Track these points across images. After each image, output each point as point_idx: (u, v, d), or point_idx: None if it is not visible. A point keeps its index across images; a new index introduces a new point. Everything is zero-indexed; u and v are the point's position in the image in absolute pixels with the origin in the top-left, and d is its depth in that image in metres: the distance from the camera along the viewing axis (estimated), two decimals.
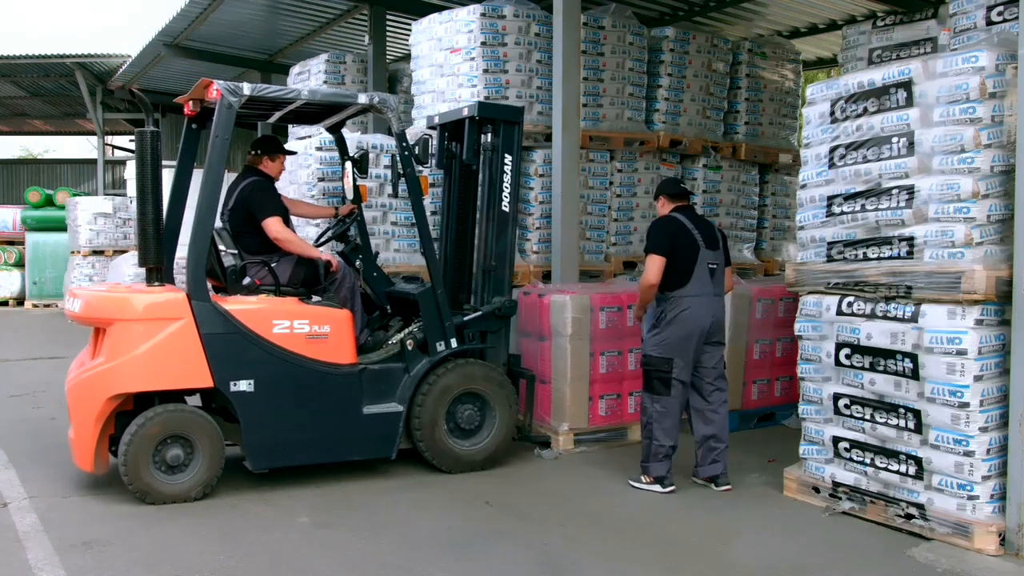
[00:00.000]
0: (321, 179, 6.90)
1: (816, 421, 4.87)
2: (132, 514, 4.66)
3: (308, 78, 10.98)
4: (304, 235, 6.37)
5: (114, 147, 26.54)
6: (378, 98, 5.41)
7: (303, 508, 4.78)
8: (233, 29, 12.76)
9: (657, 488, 5.05)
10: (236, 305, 4.97)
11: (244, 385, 4.87)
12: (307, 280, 5.47)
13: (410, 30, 8.26)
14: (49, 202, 17.05)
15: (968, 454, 4.11)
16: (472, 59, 7.35)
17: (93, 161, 22.88)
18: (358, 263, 5.82)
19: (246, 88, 5.00)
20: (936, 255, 4.23)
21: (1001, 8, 4.93)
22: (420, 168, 5.50)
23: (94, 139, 22.12)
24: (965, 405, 4.11)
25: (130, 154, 24.98)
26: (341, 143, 6.10)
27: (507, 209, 5.69)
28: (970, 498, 4.13)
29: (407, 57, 8.82)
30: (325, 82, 10.66)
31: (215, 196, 4.98)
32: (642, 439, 5.18)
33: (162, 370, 4.77)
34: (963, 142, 4.14)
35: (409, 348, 5.34)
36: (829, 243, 4.76)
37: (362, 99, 5.41)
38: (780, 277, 6.55)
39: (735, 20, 10.42)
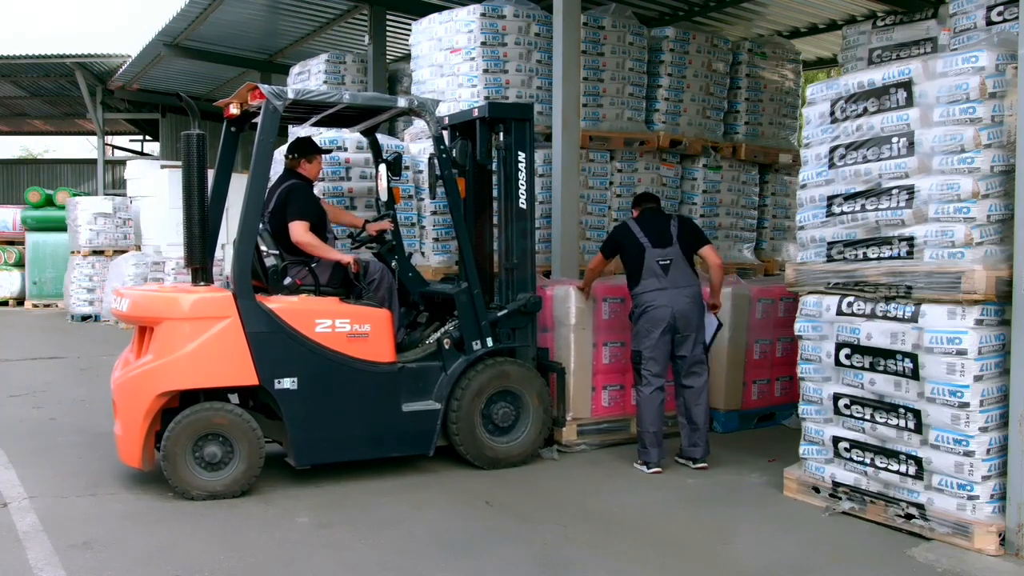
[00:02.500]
0: (321, 179, 6.88)
1: (816, 421, 4.87)
2: (132, 514, 4.67)
3: (308, 78, 10.98)
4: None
5: (114, 147, 26.56)
6: (417, 101, 5.50)
7: (303, 508, 4.78)
8: (233, 29, 12.76)
9: (643, 469, 5.42)
10: (280, 304, 5.05)
11: (288, 383, 4.96)
12: (346, 280, 5.54)
13: (410, 30, 8.26)
14: (49, 202, 17.06)
15: (968, 454, 4.11)
16: (472, 59, 7.35)
17: (93, 161, 22.89)
18: (393, 263, 5.85)
19: (291, 92, 5.10)
20: (936, 255, 4.23)
21: (1001, 8, 4.92)
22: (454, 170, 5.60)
23: (94, 139, 22.13)
24: (965, 405, 4.11)
25: (130, 154, 25.01)
26: (375, 146, 6.20)
27: (524, 206, 5.73)
28: (970, 498, 4.13)
29: (407, 57, 8.82)
30: (325, 82, 10.66)
31: (260, 198, 5.09)
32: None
33: (209, 368, 4.87)
34: (963, 142, 4.14)
35: (446, 347, 5.42)
36: (829, 243, 4.76)
37: (401, 102, 5.50)
38: (780, 277, 6.55)
39: (735, 20, 10.42)
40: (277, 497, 4.97)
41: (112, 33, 50.05)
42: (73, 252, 15.28)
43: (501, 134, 5.75)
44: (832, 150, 4.73)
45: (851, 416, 4.64)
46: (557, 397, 5.83)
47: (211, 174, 5.34)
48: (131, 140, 26.91)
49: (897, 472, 4.41)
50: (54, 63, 17.98)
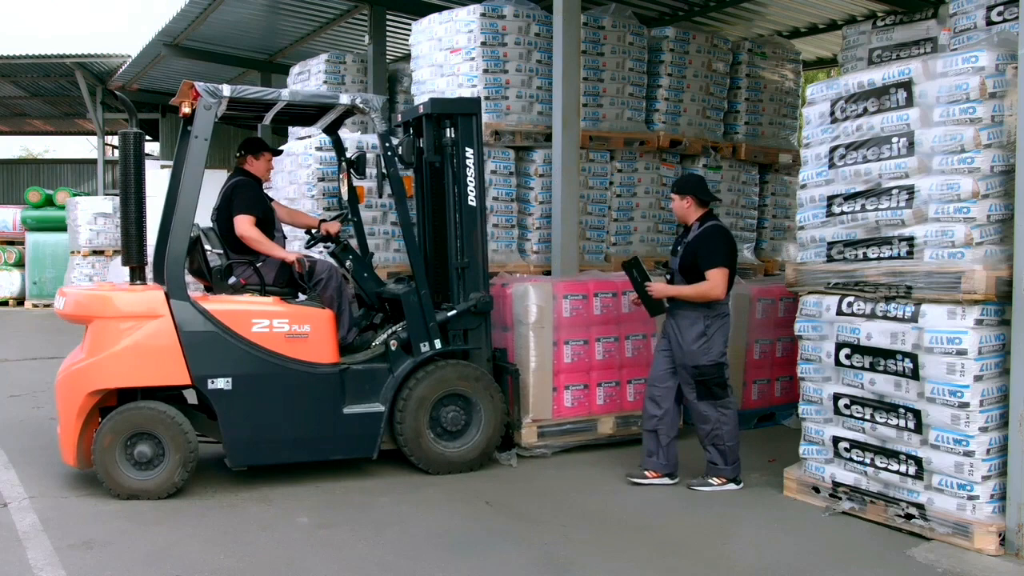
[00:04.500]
0: (321, 179, 6.91)
1: (816, 421, 4.87)
2: (132, 514, 4.66)
3: (308, 78, 10.97)
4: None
5: (114, 147, 26.52)
6: (361, 98, 5.40)
7: (303, 508, 4.78)
8: (233, 29, 12.76)
9: (732, 487, 5.10)
10: (215, 304, 5.02)
11: (222, 383, 4.92)
12: (293, 280, 5.48)
13: (410, 30, 8.26)
14: (49, 202, 17.05)
15: (968, 454, 4.11)
16: (472, 59, 7.35)
17: (93, 161, 22.89)
18: (348, 263, 5.79)
19: (226, 90, 5.05)
20: (936, 255, 4.23)
21: (1001, 8, 4.92)
22: (403, 168, 5.51)
23: (94, 139, 22.13)
24: (965, 405, 4.11)
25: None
26: (338, 144, 6.09)
27: (474, 203, 5.60)
28: (970, 498, 4.13)
29: (407, 57, 8.82)
30: (325, 82, 10.65)
31: (194, 196, 5.03)
32: (715, 447, 5.10)
33: (139, 367, 4.84)
34: (963, 142, 4.14)
35: (393, 348, 5.34)
36: (829, 243, 4.76)
37: (344, 99, 5.40)
38: (780, 277, 6.56)
39: (735, 20, 10.42)
40: (277, 497, 4.97)
41: (112, 33, 50.05)
42: (73, 252, 15.27)
43: (448, 130, 5.63)
44: (832, 150, 4.73)
45: (851, 416, 4.64)
46: (513, 399, 5.71)
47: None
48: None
49: (897, 472, 4.41)
50: (54, 63, 17.97)
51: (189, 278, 5.22)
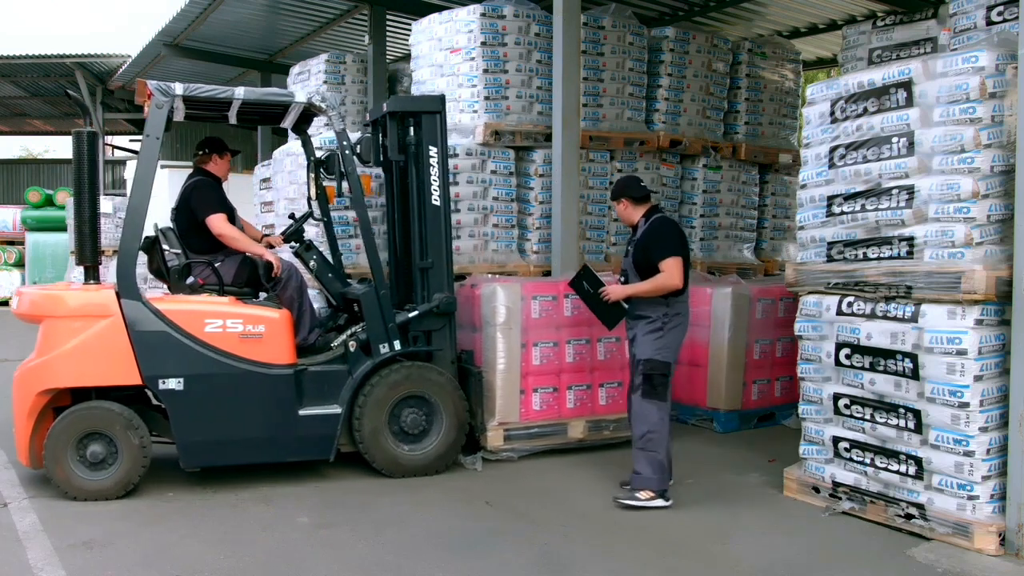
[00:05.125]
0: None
1: (816, 421, 4.87)
2: (132, 514, 4.66)
3: (308, 78, 10.98)
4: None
5: (114, 147, 26.55)
6: (317, 97, 5.35)
7: (303, 508, 4.78)
8: (233, 29, 12.76)
9: (660, 502, 4.79)
10: (167, 304, 5.00)
11: (173, 383, 4.89)
12: (251, 280, 5.44)
13: (410, 30, 8.26)
14: (49, 202, 17.04)
15: (968, 454, 4.11)
16: (472, 59, 7.35)
17: None
18: (312, 263, 5.71)
19: (177, 88, 5.03)
20: (936, 255, 4.23)
21: (1001, 8, 4.93)
22: (363, 167, 5.44)
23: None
24: (965, 405, 4.11)
25: (130, 154, 25.01)
26: (307, 144, 5.99)
27: (438, 203, 5.52)
28: (970, 498, 4.13)
29: (407, 57, 8.82)
30: (325, 82, 10.66)
31: (146, 195, 5.01)
32: (645, 452, 4.82)
33: (88, 367, 4.83)
34: (963, 142, 4.14)
35: (351, 350, 5.28)
36: (829, 243, 4.76)
37: (300, 98, 5.33)
38: (780, 277, 6.55)
39: (735, 20, 10.42)
40: (277, 497, 4.97)
41: (112, 33, 50.06)
42: (73, 252, 15.25)
43: (412, 129, 5.56)
44: (832, 150, 4.73)
45: (851, 416, 4.64)
46: (476, 402, 5.61)
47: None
48: (131, 140, 26.91)
49: (897, 472, 4.41)
50: (54, 63, 17.97)
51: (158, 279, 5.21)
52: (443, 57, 7.61)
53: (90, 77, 18.74)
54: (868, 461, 4.57)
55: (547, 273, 7.22)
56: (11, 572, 3.94)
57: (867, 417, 4.56)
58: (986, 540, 4.06)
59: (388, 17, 10.80)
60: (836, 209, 4.70)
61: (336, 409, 5.18)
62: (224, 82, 16.13)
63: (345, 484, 5.19)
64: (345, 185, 5.58)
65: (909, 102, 4.36)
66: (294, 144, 7.76)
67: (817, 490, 4.85)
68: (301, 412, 5.12)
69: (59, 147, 34.53)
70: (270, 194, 8.14)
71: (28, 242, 16.54)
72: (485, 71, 7.31)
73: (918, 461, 4.32)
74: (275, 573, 3.95)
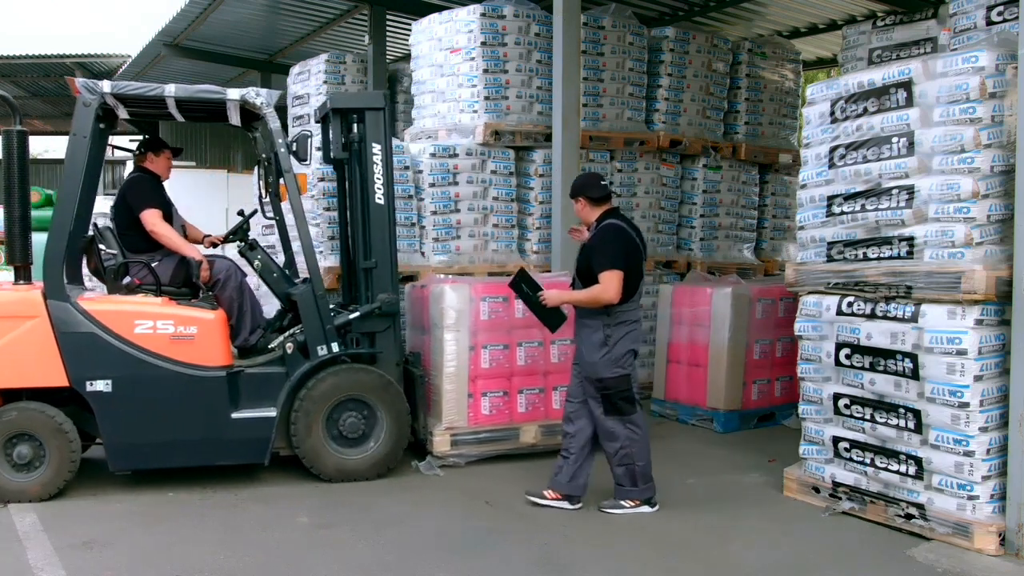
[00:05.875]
0: (321, 179, 6.89)
1: (816, 421, 4.87)
2: (132, 514, 4.67)
3: (308, 78, 10.97)
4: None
5: (114, 147, 26.49)
6: (253, 93, 5.20)
7: (303, 508, 4.78)
8: (233, 29, 12.75)
9: (646, 509, 4.72)
10: (95, 304, 4.95)
11: (101, 385, 4.83)
12: (190, 280, 5.36)
13: (410, 30, 8.26)
14: (49, 202, 16.95)
15: (968, 454, 4.11)
16: (472, 59, 7.35)
17: None
18: (256, 263, 5.61)
19: (105, 86, 4.99)
20: (936, 255, 4.23)
21: (1001, 8, 4.93)
22: (301, 165, 5.36)
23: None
24: (965, 405, 4.11)
25: (130, 154, 24.99)
26: (257, 142, 5.85)
27: (381, 202, 5.39)
28: (970, 498, 4.13)
29: (407, 57, 8.82)
30: (325, 82, 10.65)
31: (74, 195, 4.98)
32: (624, 467, 4.69)
33: (15, 368, 4.79)
34: (963, 142, 4.14)
35: (288, 351, 5.20)
36: (829, 243, 4.76)
37: (232, 95, 5.19)
38: (780, 277, 6.55)
39: (735, 20, 10.41)
40: (277, 497, 4.97)
41: (112, 33, 50.01)
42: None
43: (355, 126, 5.45)
44: (832, 150, 4.73)
45: (851, 416, 4.64)
46: (421, 406, 5.54)
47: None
48: (131, 140, 26.90)
49: (897, 472, 4.41)
50: (54, 63, 17.99)
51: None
52: (443, 57, 7.61)
53: (90, 77, 18.76)
54: (868, 461, 4.57)
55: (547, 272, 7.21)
56: (11, 572, 3.94)
57: (867, 417, 4.56)
58: (986, 540, 4.06)
59: (388, 17, 10.79)
60: (836, 209, 4.70)
61: (271, 412, 5.07)
62: (224, 82, 16.13)
63: (345, 484, 5.19)
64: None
65: (909, 102, 4.36)
66: None
67: (817, 490, 4.85)
68: (234, 415, 5.02)
69: (59, 147, 34.52)
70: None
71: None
72: (485, 71, 7.31)
73: (918, 461, 4.32)
74: (275, 573, 3.95)
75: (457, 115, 7.50)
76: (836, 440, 4.73)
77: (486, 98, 7.30)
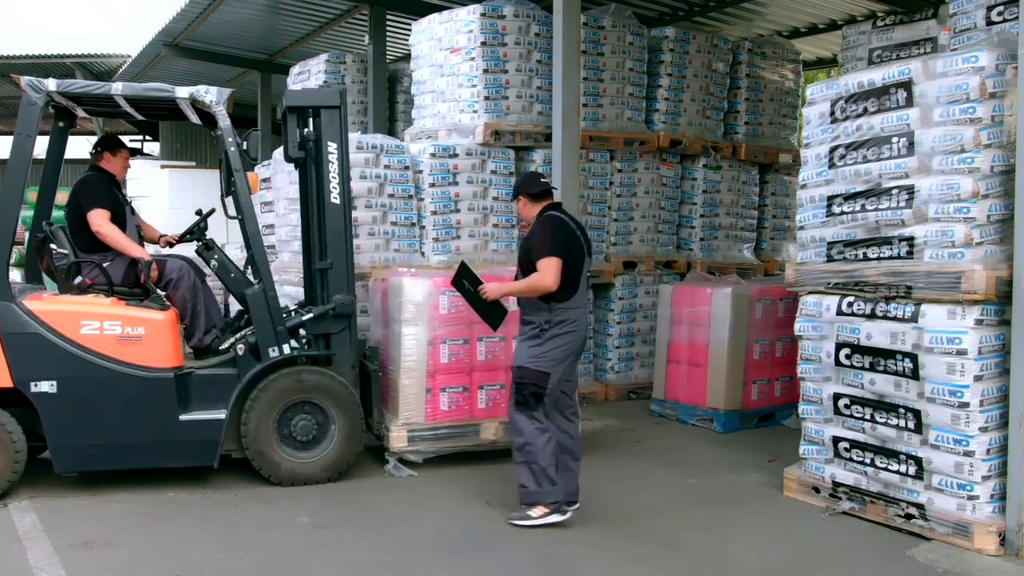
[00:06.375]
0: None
1: (816, 421, 4.87)
2: (132, 514, 4.67)
3: (308, 78, 10.98)
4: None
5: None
6: (203, 91, 5.13)
7: (303, 508, 4.78)
8: (233, 29, 12.75)
9: (556, 517, 4.48)
10: (40, 304, 4.92)
11: (46, 386, 4.79)
12: (141, 281, 5.30)
13: (410, 30, 8.26)
14: None
15: (968, 454, 4.11)
16: (472, 59, 7.35)
17: None
18: (213, 262, 5.55)
19: (50, 84, 4.96)
20: (936, 255, 4.23)
21: (1001, 8, 4.93)
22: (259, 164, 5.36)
23: (94, 139, 22.12)
24: (965, 405, 4.11)
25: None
26: (221, 141, 5.68)
27: (337, 201, 5.31)
28: (970, 498, 4.13)
29: (407, 57, 8.82)
30: (325, 82, 10.66)
31: (17, 194, 4.97)
32: (526, 464, 4.51)
33: None
34: (963, 142, 4.14)
35: (240, 353, 5.14)
36: (829, 243, 4.76)
37: (181, 93, 5.13)
38: (780, 277, 6.55)
39: (735, 20, 10.41)
40: (277, 497, 4.97)
41: (112, 33, 49.98)
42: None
43: (310, 125, 5.38)
44: (832, 150, 4.73)
45: (851, 416, 4.64)
46: (376, 402, 5.45)
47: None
48: (131, 140, 26.90)
49: (897, 472, 4.41)
50: (54, 63, 17.98)
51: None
52: (443, 57, 7.61)
53: (90, 77, 18.76)
54: (868, 461, 4.57)
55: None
56: (11, 572, 3.94)
57: (867, 417, 4.56)
58: (986, 540, 4.06)
59: (388, 17, 10.79)
60: (836, 209, 4.70)
61: (220, 414, 5.01)
62: (224, 82, 16.14)
63: (345, 484, 5.19)
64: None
65: (909, 102, 4.37)
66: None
67: (817, 490, 4.85)
68: (182, 417, 4.97)
69: None
70: (270, 194, 8.15)
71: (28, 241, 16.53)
72: (485, 71, 7.31)
73: (918, 461, 4.32)
74: (275, 573, 3.95)
75: (457, 115, 7.50)
76: (836, 440, 4.73)
77: (486, 98, 7.29)
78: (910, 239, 4.34)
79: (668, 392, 7.12)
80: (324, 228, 5.37)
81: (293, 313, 5.43)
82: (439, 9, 8.39)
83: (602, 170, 7.83)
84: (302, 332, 5.31)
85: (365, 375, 5.48)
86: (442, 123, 7.66)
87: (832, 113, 4.74)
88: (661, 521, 4.64)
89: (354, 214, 6.68)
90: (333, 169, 5.31)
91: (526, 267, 4.63)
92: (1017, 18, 4.44)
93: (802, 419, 4.98)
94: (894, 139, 4.41)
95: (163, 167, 14.10)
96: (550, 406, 4.59)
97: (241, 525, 4.54)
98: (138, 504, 4.81)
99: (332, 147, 5.32)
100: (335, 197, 5.32)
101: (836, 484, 4.74)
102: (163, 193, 12.86)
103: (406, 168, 7.02)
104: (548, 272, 4.44)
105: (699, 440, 6.39)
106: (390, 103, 11.09)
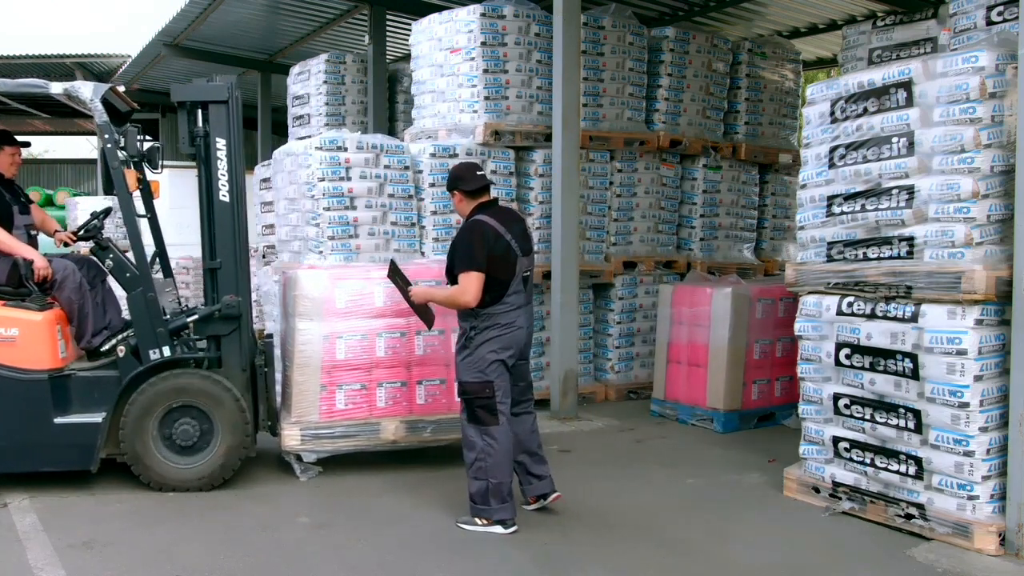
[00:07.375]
0: (321, 179, 6.88)
1: (816, 421, 4.87)
2: (132, 514, 4.67)
3: (308, 78, 10.99)
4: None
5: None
6: (78, 86, 5.00)
7: (303, 508, 4.78)
8: (233, 29, 12.77)
9: (499, 529, 4.39)
10: None
11: None
12: (25, 281, 5.15)
13: (410, 30, 8.26)
14: (49, 202, 17.06)
15: (968, 454, 4.11)
16: (472, 59, 7.35)
17: (93, 161, 22.92)
18: (108, 262, 5.35)
19: None
20: (936, 255, 4.23)
21: (1001, 8, 4.93)
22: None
23: (94, 139, 22.15)
24: (965, 405, 4.11)
25: None
26: (128, 137, 5.51)
27: (227, 199, 5.11)
28: (970, 498, 4.13)
29: (407, 57, 8.82)
30: (325, 82, 10.68)
31: None
32: (477, 480, 4.41)
33: None
34: (963, 142, 4.14)
35: (121, 355, 5.02)
36: (829, 243, 4.76)
37: (55, 88, 4.99)
38: (780, 277, 6.55)
39: (735, 20, 10.42)
40: (277, 497, 4.97)
41: (112, 33, 50.02)
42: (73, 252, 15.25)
43: (200, 120, 5.20)
44: (832, 150, 4.73)
45: (851, 416, 4.64)
46: (260, 399, 5.27)
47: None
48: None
49: (897, 472, 4.41)
50: (54, 63, 17.99)
51: None
52: (443, 57, 7.61)
53: (90, 77, 18.75)
54: (868, 461, 4.57)
55: (547, 273, 7.21)
56: (11, 572, 3.94)
57: (867, 417, 4.56)
58: (986, 540, 4.06)
59: (388, 17, 10.80)
60: (836, 209, 4.70)
61: (98, 417, 4.89)
62: None
63: (346, 484, 5.19)
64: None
65: (909, 102, 4.36)
66: (294, 144, 7.77)
67: (817, 490, 4.85)
68: (57, 420, 4.86)
69: (59, 147, 34.54)
70: (270, 194, 8.16)
71: None
72: (485, 71, 7.31)
73: (918, 461, 4.32)
74: (275, 573, 3.95)
75: (457, 115, 7.51)
76: (836, 440, 4.73)
77: (486, 98, 7.29)
78: (910, 239, 4.34)
79: (668, 392, 7.12)
80: (213, 227, 5.18)
81: (182, 314, 5.30)
82: (439, 9, 8.40)
83: (602, 170, 7.83)
84: (193, 334, 5.18)
85: (252, 369, 5.27)
86: (442, 123, 7.66)
87: (832, 113, 4.74)
88: (661, 521, 4.64)
89: (354, 214, 6.72)
90: (222, 166, 5.12)
91: (449, 272, 4.47)
92: (1017, 18, 4.44)
93: (802, 419, 4.98)
94: (894, 139, 4.41)
95: (163, 167, 14.08)
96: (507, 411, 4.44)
97: (241, 525, 4.54)
98: (138, 504, 4.81)
99: (220, 143, 5.12)
100: (224, 195, 5.12)
101: (836, 484, 4.75)
102: (163, 193, 12.86)
103: (406, 168, 7.02)
104: (468, 288, 4.28)
105: (699, 440, 6.39)
106: (390, 103, 11.10)
